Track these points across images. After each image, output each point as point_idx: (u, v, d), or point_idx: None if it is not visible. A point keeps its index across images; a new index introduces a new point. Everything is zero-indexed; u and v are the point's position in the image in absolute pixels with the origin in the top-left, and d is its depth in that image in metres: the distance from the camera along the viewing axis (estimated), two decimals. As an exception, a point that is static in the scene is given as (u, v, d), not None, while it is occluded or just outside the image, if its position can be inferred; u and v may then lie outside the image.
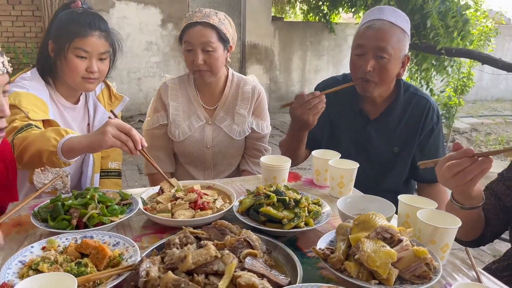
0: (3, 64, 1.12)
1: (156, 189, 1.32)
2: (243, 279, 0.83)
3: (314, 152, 1.52)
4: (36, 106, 1.50)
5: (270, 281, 0.87)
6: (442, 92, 6.22)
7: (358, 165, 1.39)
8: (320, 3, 8.12)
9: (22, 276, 0.86)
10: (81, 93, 1.78)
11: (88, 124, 1.82)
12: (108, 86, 1.87)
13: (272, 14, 8.15)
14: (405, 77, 6.52)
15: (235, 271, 0.86)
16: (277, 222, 1.11)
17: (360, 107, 1.75)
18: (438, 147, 1.70)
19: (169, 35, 7.09)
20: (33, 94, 1.54)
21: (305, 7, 8.77)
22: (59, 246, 0.98)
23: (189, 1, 7.08)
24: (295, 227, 1.10)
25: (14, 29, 6.71)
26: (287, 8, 9.20)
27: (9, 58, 1.18)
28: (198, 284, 0.84)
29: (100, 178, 1.93)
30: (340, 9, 7.94)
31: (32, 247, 0.96)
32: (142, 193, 1.29)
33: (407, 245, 0.91)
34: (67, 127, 1.69)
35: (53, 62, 1.60)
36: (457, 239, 1.21)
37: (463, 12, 4.85)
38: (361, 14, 6.98)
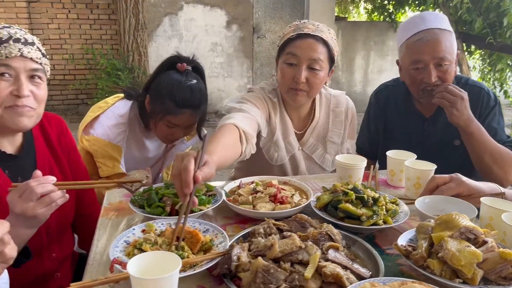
0: (21, 50, 1.15)
1: (237, 182, 1.40)
2: (328, 269, 0.87)
3: (388, 153, 1.53)
4: (109, 159, 1.64)
5: (352, 273, 0.91)
6: (518, 94, 5.88)
7: (435, 166, 1.38)
8: (386, 2, 7.93)
9: (128, 254, 0.97)
10: None
11: (166, 150, 1.95)
12: None
13: (335, 14, 8.08)
14: (475, 77, 6.20)
15: (319, 261, 0.91)
16: (355, 219, 1.14)
17: (414, 106, 1.80)
18: (496, 129, 1.67)
19: (233, 36, 7.27)
20: (111, 144, 1.65)
21: (369, 7, 8.60)
22: (156, 229, 1.08)
23: (253, 2, 7.22)
24: (373, 224, 1.13)
25: (92, 31, 7.21)
26: (351, 7, 9.07)
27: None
28: (285, 271, 0.90)
29: None
30: (407, 8, 7.70)
31: (133, 229, 1.07)
32: (223, 186, 1.38)
33: (493, 247, 0.91)
34: (142, 150, 1.82)
35: (147, 114, 1.70)
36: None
37: (544, 9, 4.53)
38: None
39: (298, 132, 1.77)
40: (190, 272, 0.90)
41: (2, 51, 1.11)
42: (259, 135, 1.66)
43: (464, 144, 1.60)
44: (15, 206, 0.98)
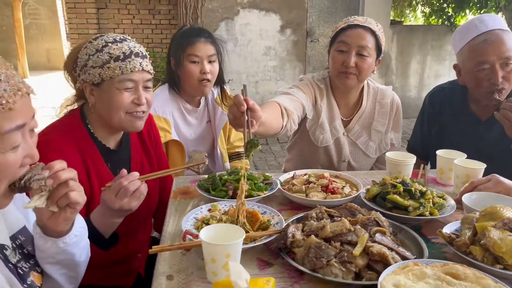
0: (141, 64, 1.31)
1: (291, 174, 1.52)
2: (375, 248, 0.97)
3: (438, 152, 1.58)
4: (161, 130, 1.79)
5: (398, 254, 0.99)
6: None
7: (485, 165, 1.43)
8: (445, 5, 7.73)
9: (197, 228, 1.12)
10: (200, 98, 2.07)
11: (208, 121, 2.12)
12: (223, 90, 2.12)
13: (391, 18, 7.98)
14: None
15: (366, 243, 1.00)
16: (403, 210, 1.22)
17: (470, 109, 1.81)
18: None
19: (286, 40, 7.40)
20: (158, 116, 1.86)
21: (427, 10, 8.41)
22: (220, 209, 1.22)
23: (308, 7, 7.31)
24: (419, 215, 1.20)
25: (153, 36, 7.64)
26: (407, 11, 8.90)
27: (151, 61, 1.44)
28: (334, 250, 1.00)
29: (232, 160, 2.23)
30: (467, 11, 7.46)
31: (201, 208, 1.22)
32: (277, 177, 1.50)
33: (535, 238, 0.96)
34: (188, 126, 2.04)
35: (176, 74, 1.94)
36: None
37: None
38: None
39: (345, 119, 1.91)
40: (251, 245, 1.03)
41: (127, 66, 1.26)
42: (305, 117, 1.85)
43: None
44: (113, 203, 1.13)
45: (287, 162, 2.16)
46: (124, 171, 1.18)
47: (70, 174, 0.90)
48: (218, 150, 2.13)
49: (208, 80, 1.92)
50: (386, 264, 0.95)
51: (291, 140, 2.08)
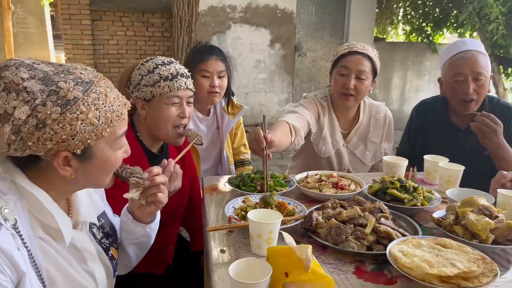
0: (186, 83, 1.58)
1: (304, 174, 1.79)
2: (382, 228, 1.25)
3: (426, 156, 1.89)
4: None
5: (399, 232, 1.28)
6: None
7: (463, 167, 1.73)
8: (424, 24, 8.22)
9: (237, 214, 1.38)
10: (210, 107, 2.34)
11: (217, 128, 2.39)
12: (230, 100, 2.40)
13: (375, 35, 8.42)
14: (511, 100, 6.37)
15: (374, 224, 1.28)
16: (399, 201, 1.51)
17: (450, 120, 2.12)
18: None
19: (275, 54, 7.74)
20: None
21: (407, 28, 8.90)
22: (251, 201, 1.49)
23: (296, 23, 7.68)
24: (413, 205, 1.49)
25: (146, 47, 7.88)
26: (389, 29, 9.39)
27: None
28: (350, 229, 1.28)
29: (236, 168, 2.49)
30: (445, 30, 7.97)
31: (237, 200, 1.49)
32: (292, 176, 1.78)
33: (503, 219, 1.26)
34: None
35: None
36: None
37: None
38: (467, 35, 6.98)
39: (344, 132, 2.20)
40: (283, 226, 1.30)
41: (175, 85, 1.53)
42: (310, 131, 2.09)
43: (493, 160, 1.90)
44: (169, 187, 1.33)
45: (290, 169, 2.43)
46: (165, 160, 1.38)
47: (162, 179, 1.18)
48: (225, 154, 2.39)
49: (217, 92, 2.19)
50: (390, 239, 1.23)
51: (294, 151, 2.36)
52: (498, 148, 1.82)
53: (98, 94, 0.96)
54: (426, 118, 2.23)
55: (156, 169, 1.17)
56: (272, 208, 1.37)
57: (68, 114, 0.91)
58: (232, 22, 7.45)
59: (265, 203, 1.40)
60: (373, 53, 2.06)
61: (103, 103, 0.96)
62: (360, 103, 2.20)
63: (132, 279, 1.55)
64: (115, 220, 1.33)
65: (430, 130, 2.20)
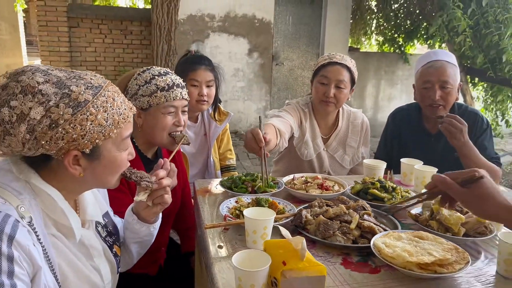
0: (181, 93, 1.66)
1: (291, 176, 1.90)
2: (365, 223, 1.37)
3: (402, 160, 2.03)
4: None
5: (381, 227, 1.40)
6: (519, 123, 6.33)
7: (436, 169, 1.88)
8: (396, 35, 8.55)
9: (231, 213, 1.48)
10: (198, 114, 2.43)
11: (205, 134, 2.49)
12: (217, 107, 2.50)
13: (349, 45, 8.69)
14: (478, 108, 6.71)
15: (359, 220, 1.40)
16: (380, 200, 1.64)
17: (423, 125, 2.28)
18: (487, 147, 2.14)
19: (254, 63, 7.88)
20: None
21: (380, 39, 9.23)
22: (243, 201, 1.58)
23: (273, 33, 7.86)
24: (392, 204, 1.62)
25: (125, 55, 7.87)
26: (363, 39, 9.70)
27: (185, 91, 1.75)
28: (336, 225, 1.39)
29: (222, 173, 2.58)
30: (415, 41, 8.31)
31: (230, 200, 1.58)
32: (280, 179, 1.88)
33: (472, 214, 1.40)
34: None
35: None
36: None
37: (540, 48, 5.08)
38: (436, 46, 7.32)
39: (324, 137, 2.34)
40: (275, 223, 1.39)
41: (171, 95, 1.61)
42: (292, 136, 2.22)
43: (460, 159, 2.08)
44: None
45: (274, 173, 2.54)
46: (161, 160, 1.44)
47: (168, 182, 1.27)
48: (212, 159, 2.48)
49: (205, 101, 2.28)
50: (373, 234, 1.35)
51: (278, 155, 2.47)
52: (464, 147, 1.98)
53: (106, 98, 1.04)
54: (401, 124, 2.38)
55: (162, 172, 1.26)
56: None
57: (79, 115, 0.99)
58: (211, 31, 7.56)
59: (257, 203, 1.50)
60: (351, 63, 2.21)
61: (111, 106, 1.05)
62: (339, 110, 2.34)
63: (126, 279, 1.60)
64: (116, 220, 1.40)
65: (405, 135, 2.36)
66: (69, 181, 1.08)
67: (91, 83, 1.03)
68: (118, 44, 7.82)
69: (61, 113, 0.97)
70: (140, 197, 1.22)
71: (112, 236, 1.30)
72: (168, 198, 1.27)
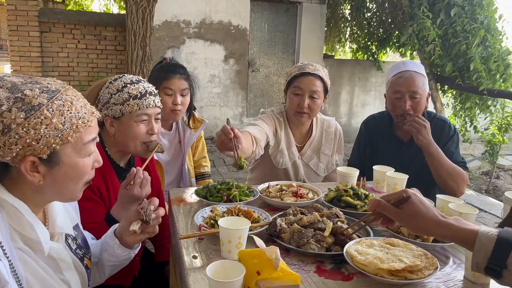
0: (154, 101, 1.65)
1: (266, 184, 1.91)
2: (337, 226, 1.39)
3: (375, 167, 2.07)
4: None
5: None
6: (486, 129, 6.54)
7: (407, 176, 1.93)
8: (369, 43, 8.73)
9: (206, 223, 1.47)
10: (172, 122, 2.43)
11: (179, 142, 2.48)
12: (191, 114, 2.50)
13: (324, 52, 8.83)
14: (448, 114, 6.92)
15: (332, 228, 1.42)
16: (353, 207, 1.67)
17: (395, 133, 2.35)
18: (453, 153, 2.21)
19: (230, 69, 7.90)
20: None
21: (354, 46, 9.41)
22: (219, 210, 1.58)
23: (249, 39, 7.90)
24: (365, 211, 1.65)
25: (98, 61, 7.76)
26: (337, 46, 9.87)
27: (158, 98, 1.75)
28: (310, 233, 1.41)
29: (197, 181, 2.57)
30: (388, 49, 8.51)
31: (205, 209, 1.57)
32: (255, 187, 1.89)
33: (441, 220, 1.44)
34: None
35: None
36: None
37: (505, 57, 5.29)
38: (407, 54, 7.51)
39: (299, 145, 2.36)
40: (250, 232, 1.40)
41: (144, 103, 1.59)
42: (268, 144, 2.23)
43: (427, 161, 2.14)
44: (140, 194, 1.47)
45: (249, 181, 2.55)
46: (133, 169, 1.47)
47: (162, 212, 1.29)
48: (186, 167, 2.47)
49: (179, 110, 2.27)
50: (346, 237, 1.37)
51: (253, 163, 2.48)
52: (431, 145, 2.04)
53: (63, 102, 1.01)
54: (374, 132, 2.44)
55: (162, 211, 1.30)
56: (243, 169, 1.56)
57: (32, 119, 0.96)
58: (187, 37, 7.54)
59: (239, 167, 1.53)
60: (323, 72, 2.24)
61: (68, 110, 1.02)
62: (313, 119, 2.38)
63: (100, 292, 1.59)
64: (86, 233, 1.38)
65: (377, 142, 2.41)
66: (31, 191, 1.05)
67: (47, 87, 1.00)
68: (92, 50, 7.70)
69: (13, 117, 0.94)
70: (135, 227, 1.22)
71: (81, 249, 1.28)
72: (157, 229, 1.30)
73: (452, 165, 2.08)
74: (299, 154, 2.35)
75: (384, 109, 2.47)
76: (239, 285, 1.02)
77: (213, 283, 1.01)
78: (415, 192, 1.17)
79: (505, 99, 5.98)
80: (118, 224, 1.35)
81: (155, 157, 2.24)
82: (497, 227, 1.66)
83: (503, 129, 6.30)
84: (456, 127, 2.37)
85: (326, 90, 2.25)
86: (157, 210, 1.28)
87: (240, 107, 8.11)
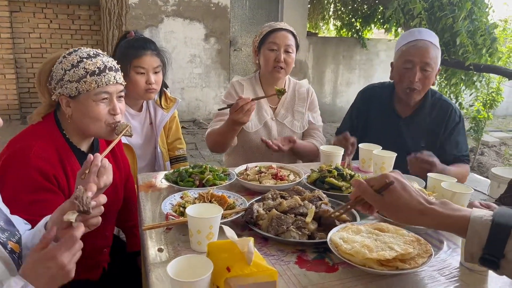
0: (115, 77, 1.46)
1: (244, 166, 1.76)
2: (321, 209, 1.26)
3: (361, 145, 1.93)
4: None
5: (338, 220, 1.29)
6: (471, 106, 6.48)
7: (396, 154, 1.80)
8: (353, 19, 8.54)
9: (175, 211, 1.32)
10: (143, 102, 2.25)
11: (151, 123, 2.30)
12: (163, 93, 2.32)
13: (307, 30, 8.61)
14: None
15: (314, 212, 1.29)
16: (337, 189, 1.53)
17: (393, 107, 2.16)
18: (459, 143, 2.05)
19: (211, 49, 7.65)
20: None
21: (338, 23, 9.20)
22: (190, 196, 1.43)
23: (230, 17, 7.64)
24: (350, 193, 1.52)
25: (73, 41, 7.43)
26: (321, 24, 9.65)
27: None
28: (291, 219, 1.27)
29: (171, 164, 2.41)
30: (372, 26, 8.34)
31: (174, 196, 1.42)
32: (232, 169, 1.74)
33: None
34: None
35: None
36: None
37: (491, 31, 5.17)
38: (392, 31, 7.36)
39: (272, 106, 2.32)
40: (224, 220, 1.25)
41: (103, 80, 1.39)
42: None
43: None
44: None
45: (226, 155, 2.42)
46: (90, 155, 1.26)
47: (104, 199, 1.13)
48: (159, 150, 2.30)
49: (154, 89, 2.09)
50: (330, 228, 1.24)
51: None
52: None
53: None
54: (370, 102, 2.24)
55: (103, 198, 1.14)
56: None
57: None
58: (165, 16, 7.24)
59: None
60: (293, 29, 2.24)
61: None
62: (285, 80, 2.34)
63: (64, 286, 1.43)
64: (14, 217, 1.21)
65: (372, 115, 2.22)
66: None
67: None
68: (66, 30, 7.37)
69: None
70: (70, 216, 1.03)
71: (4, 233, 1.12)
72: (100, 220, 1.15)
73: (457, 170, 1.90)
74: (273, 114, 2.29)
75: (384, 81, 2.30)
76: (206, 285, 0.87)
77: (175, 283, 0.86)
78: (397, 176, 1.01)
79: (490, 75, 5.90)
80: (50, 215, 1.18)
81: (125, 141, 2.07)
82: (495, 201, 1.53)
83: (488, 105, 6.25)
84: (462, 112, 2.19)
85: (297, 46, 2.26)
86: (97, 197, 1.11)
87: (222, 87, 7.88)
